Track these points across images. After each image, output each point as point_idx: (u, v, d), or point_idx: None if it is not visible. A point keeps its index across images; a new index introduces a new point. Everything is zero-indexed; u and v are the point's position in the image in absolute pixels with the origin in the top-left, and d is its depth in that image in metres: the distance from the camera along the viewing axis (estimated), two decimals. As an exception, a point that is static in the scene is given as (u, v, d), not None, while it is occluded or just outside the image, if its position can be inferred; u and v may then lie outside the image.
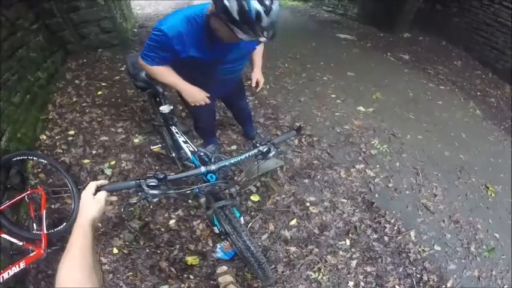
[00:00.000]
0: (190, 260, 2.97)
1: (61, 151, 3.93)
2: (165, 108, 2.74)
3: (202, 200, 2.10)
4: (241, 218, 2.37)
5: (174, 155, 3.39)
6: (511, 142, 4.88)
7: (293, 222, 3.35)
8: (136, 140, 4.17)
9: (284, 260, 3.04)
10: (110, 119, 4.49)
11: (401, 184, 3.85)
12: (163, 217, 3.31)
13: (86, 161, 3.83)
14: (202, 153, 2.09)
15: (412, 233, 3.30)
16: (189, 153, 2.51)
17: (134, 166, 3.80)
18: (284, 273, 2.92)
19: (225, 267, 2.83)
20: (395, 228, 3.33)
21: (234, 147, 4.17)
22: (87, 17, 5.97)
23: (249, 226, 3.27)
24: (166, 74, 2.40)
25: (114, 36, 6.46)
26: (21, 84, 4.17)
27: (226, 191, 2.20)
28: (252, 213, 3.41)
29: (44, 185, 3.40)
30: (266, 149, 1.93)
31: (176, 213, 3.35)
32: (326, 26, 9.73)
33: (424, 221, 3.46)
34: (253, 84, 2.72)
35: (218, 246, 3.01)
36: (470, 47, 7.46)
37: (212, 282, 2.82)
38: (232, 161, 1.90)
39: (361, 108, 5.23)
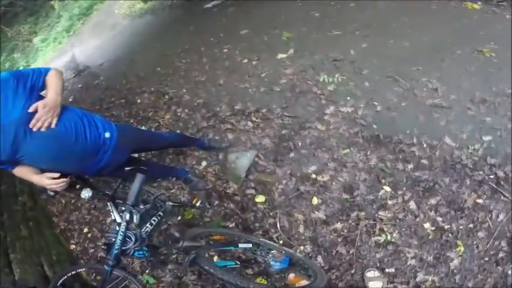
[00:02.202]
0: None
1: (93, 250, 3.71)
2: (84, 194, 2.38)
3: None
4: None
5: None
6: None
7: (315, 201, 2.94)
8: None
9: (339, 240, 2.70)
10: (98, 201, 4.16)
11: (388, 100, 3.42)
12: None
13: None
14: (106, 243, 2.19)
15: (447, 139, 2.89)
16: None
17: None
18: (350, 253, 2.62)
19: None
20: (425, 146, 2.91)
21: (204, 163, 3.67)
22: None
23: (278, 227, 2.90)
24: (21, 175, 2.32)
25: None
26: (16, 217, 4.09)
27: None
28: (271, 213, 3.02)
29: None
30: (128, 215, 1.97)
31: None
32: (188, 6, 9.03)
33: (448, 120, 3.05)
34: (30, 110, 2.05)
35: (271, 259, 2.61)
36: None
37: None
38: (117, 247, 1.96)
39: (282, 55, 4.70)
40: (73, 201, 4.43)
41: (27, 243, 3.62)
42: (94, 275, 3.30)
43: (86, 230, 3.95)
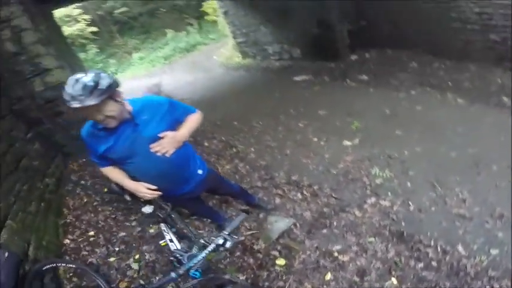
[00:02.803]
0: None
1: (86, 253, 3.86)
2: (147, 209, 2.85)
3: None
4: None
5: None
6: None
7: (328, 276, 3.17)
8: (151, 230, 4.04)
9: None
10: (122, 214, 4.43)
11: (422, 203, 3.70)
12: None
13: (112, 259, 3.74)
14: (174, 257, 2.55)
15: (460, 248, 3.10)
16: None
17: (158, 256, 3.69)
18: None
19: None
20: (439, 249, 3.14)
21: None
22: (72, 119, 6.00)
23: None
24: (111, 174, 2.70)
25: (102, 131, 6.52)
26: (33, 193, 4.24)
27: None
28: (284, 277, 3.24)
29: (79, 289, 3.33)
30: (222, 240, 2.12)
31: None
32: (281, 73, 9.88)
33: (465, 230, 3.27)
34: (160, 135, 2.46)
35: None
36: (414, 46, 7.52)
37: None
38: (195, 261, 2.14)
39: (347, 142, 5.16)
40: (95, 203, 4.69)
41: (29, 218, 3.74)
42: (71, 275, 3.45)
43: (92, 233, 4.17)
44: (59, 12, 13.37)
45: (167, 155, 2.48)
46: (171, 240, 2.78)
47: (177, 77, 13.31)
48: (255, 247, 3.57)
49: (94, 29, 20.79)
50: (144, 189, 2.59)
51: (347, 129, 5.56)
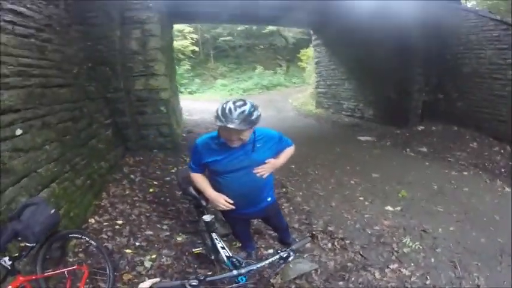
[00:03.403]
0: None
1: (106, 237, 4.12)
2: (207, 218, 3.11)
3: None
4: None
5: (213, 257, 3.52)
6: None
7: None
8: (179, 238, 4.34)
9: None
10: (157, 216, 4.72)
11: (439, 280, 3.79)
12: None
13: (128, 250, 3.98)
14: (235, 259, 2.64)
15: None
16: (225, 258, 2.94)
17: (173, 262, 3.91)
18: None
19: None
20: None
21: (270, 251, 4.23)
22: (150, 121, 6.83)
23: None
24: (199, 180, 3.01)
25: (169, 140, 7.18)
26: (86, 170, 4.71)
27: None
28: None
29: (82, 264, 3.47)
30: (286, 254, 2.24)
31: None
32: (347, 130, 10.30)
33: None
34: (266, 161, 2.87)
35: None
36: (480, 126, 7.67)
37: None
38: (258, 265, 2.23)
39: (389, 208, 5.36)
40: (135, 198, 4.97)
41: (71, 189, 4.07)
42: (80, 250, 3.66)
43: (120, 222, 4.37)
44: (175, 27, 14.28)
45: (263, 176, 2.89)
46: (223, 248, 3.03)
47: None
48: (271, 280, 3.74)
49: (195, 48, 22.43)
50: (222, 201, 2.89)
51: (393, 195, 5.79)
